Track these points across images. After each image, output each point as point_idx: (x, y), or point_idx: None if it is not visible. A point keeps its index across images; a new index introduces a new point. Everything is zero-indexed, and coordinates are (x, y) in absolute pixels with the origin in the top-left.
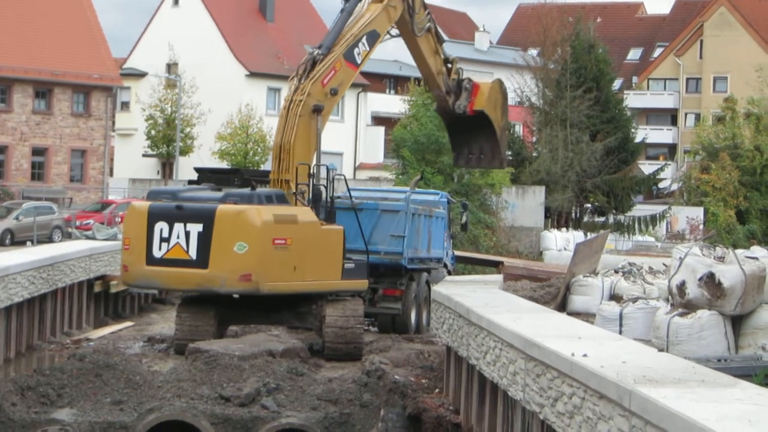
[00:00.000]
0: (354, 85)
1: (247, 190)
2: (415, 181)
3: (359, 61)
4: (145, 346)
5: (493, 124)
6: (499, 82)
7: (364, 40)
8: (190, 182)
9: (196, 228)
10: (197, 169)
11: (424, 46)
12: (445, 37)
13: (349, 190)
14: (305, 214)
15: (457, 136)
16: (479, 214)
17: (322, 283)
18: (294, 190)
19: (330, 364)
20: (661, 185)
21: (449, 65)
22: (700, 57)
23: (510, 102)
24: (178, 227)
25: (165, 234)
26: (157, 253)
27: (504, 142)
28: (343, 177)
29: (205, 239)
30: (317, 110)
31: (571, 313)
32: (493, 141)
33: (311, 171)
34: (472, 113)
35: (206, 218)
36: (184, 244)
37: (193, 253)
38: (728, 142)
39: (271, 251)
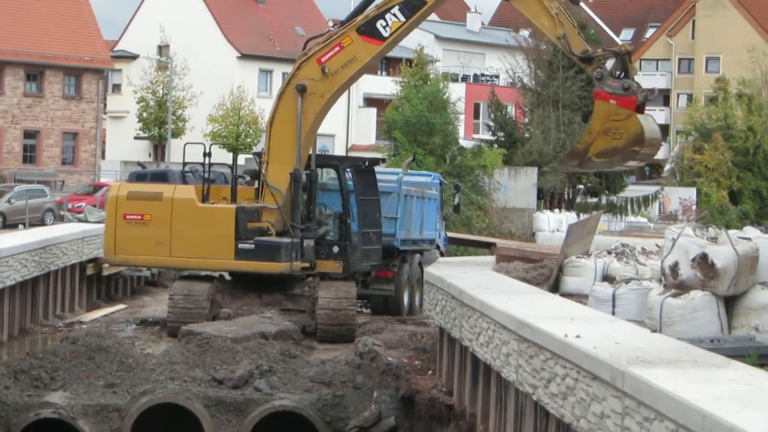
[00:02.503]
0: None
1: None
2: (408, 162)
3: (386, 34)
4: (138, 329)
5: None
6: (653, 132)
7: (395, 9)
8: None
9: None
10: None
11: (522, 8)
12: (436, 17)
13: (259, 168)
14: (180, 192)
15: None
16: (471, 196)
17: (206, 261)
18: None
19: (323, 346)
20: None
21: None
22: (692, 37)
23: (502, 83)
24: None
25: None
26: None
27: (575, 163)
28: None
29: None
30: (300, 90)
31: (563, 294)
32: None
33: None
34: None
35: None
36: None
37: None
38: (720, 123)
39: (122, 225)
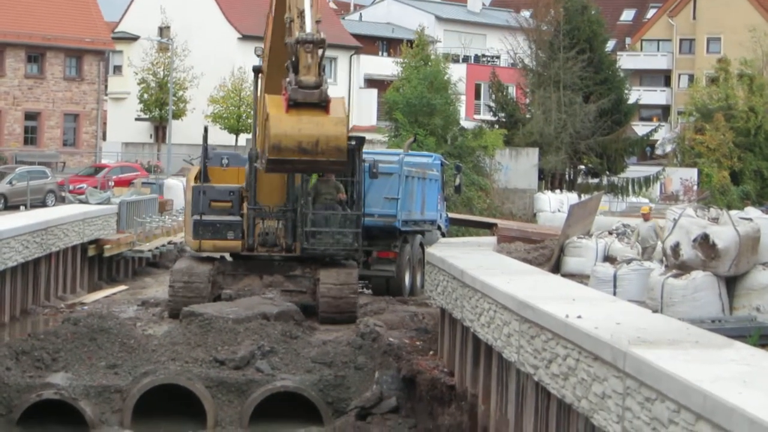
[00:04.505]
0: (346, 48)
1: None
2: (409, 143)
3: (270, 9)
4: (140, 310)
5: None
6: (303, 137)
7: None
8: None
9: None
10: None
11: None
12: None
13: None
14: (192, 172)
15: None
16: (473, 176)
17: (187, 238)
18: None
19: (324, 327)
20: (659, 147)
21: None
22: (694, 18)
23: (503, 64)
24: None
25: None
26: None
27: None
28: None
29: None
30: (256, 71)
31: (565, 275)
32: None
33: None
34: None
35: None
36: None
37: None
38: (722, 103)
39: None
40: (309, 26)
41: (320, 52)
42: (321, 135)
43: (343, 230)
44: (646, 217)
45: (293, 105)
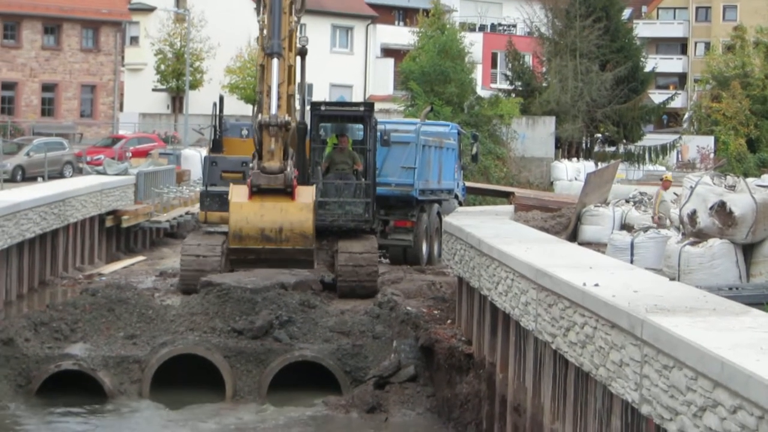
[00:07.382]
0: (363, 17)
1: None
2: (426, 112)
3: None
4: (158, 281)
5: None
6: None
7: None
8: None
9: None
10: None
11: None
12: None
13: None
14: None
15: None
16: (489, 145)
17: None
18: None
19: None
20: (686, 122)
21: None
22: None
23: (519, 32)
24: None
25: None
26: None
27: None
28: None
29: None
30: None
31: (582, 243)
32: None
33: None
34: None
35: None
36: None
37: None
38: (738, 71)
39: None
40: (273, 107)
41: (287, 133)
42: (285, 221)
43: (353, 200)
44: (666, 185)
45: (257, 191)
